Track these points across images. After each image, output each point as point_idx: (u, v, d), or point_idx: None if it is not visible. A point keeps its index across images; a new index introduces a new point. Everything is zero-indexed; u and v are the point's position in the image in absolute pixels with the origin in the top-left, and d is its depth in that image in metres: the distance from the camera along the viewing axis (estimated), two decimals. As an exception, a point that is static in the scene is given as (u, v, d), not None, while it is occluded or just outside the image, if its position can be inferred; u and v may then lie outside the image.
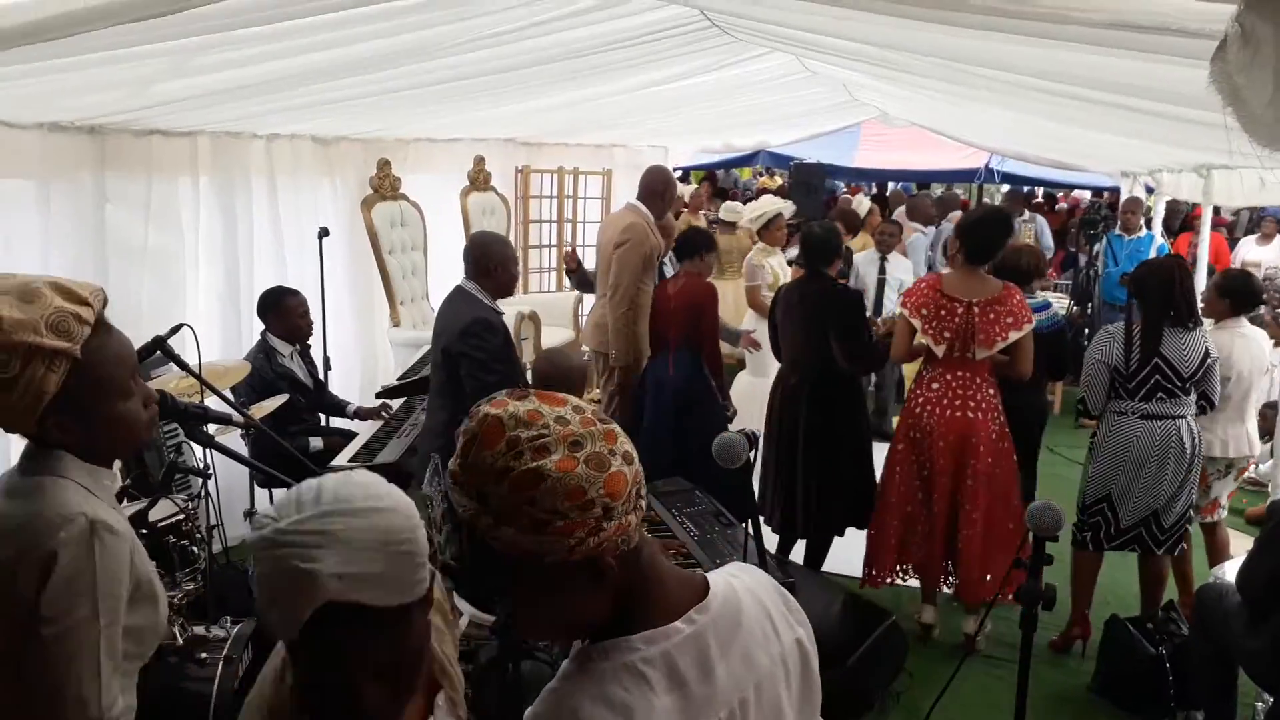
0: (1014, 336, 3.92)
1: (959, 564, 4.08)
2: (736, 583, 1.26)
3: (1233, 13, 0.61)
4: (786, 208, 6.28)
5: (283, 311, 4.53)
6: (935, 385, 4.06)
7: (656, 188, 4.95)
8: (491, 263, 3.82)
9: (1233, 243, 10.63)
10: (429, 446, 3.80)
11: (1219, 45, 0.65)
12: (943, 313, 3.98)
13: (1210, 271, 7.20)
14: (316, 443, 4.52)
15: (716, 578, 1.24)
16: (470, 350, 3.62)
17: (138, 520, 2.85)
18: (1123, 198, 9.29)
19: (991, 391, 4.02)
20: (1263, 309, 4.78)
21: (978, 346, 3.93)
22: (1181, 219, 10.87)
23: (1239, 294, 4.34)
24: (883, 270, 6.97)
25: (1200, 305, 4.16)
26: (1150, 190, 8.56)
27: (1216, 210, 9.55)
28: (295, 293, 4.62)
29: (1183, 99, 3.00)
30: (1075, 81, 3.27)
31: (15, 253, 3.89)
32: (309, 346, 4.76)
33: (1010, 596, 3.92)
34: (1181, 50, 1.79)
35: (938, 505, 4.06)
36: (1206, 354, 3.86)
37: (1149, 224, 8.58)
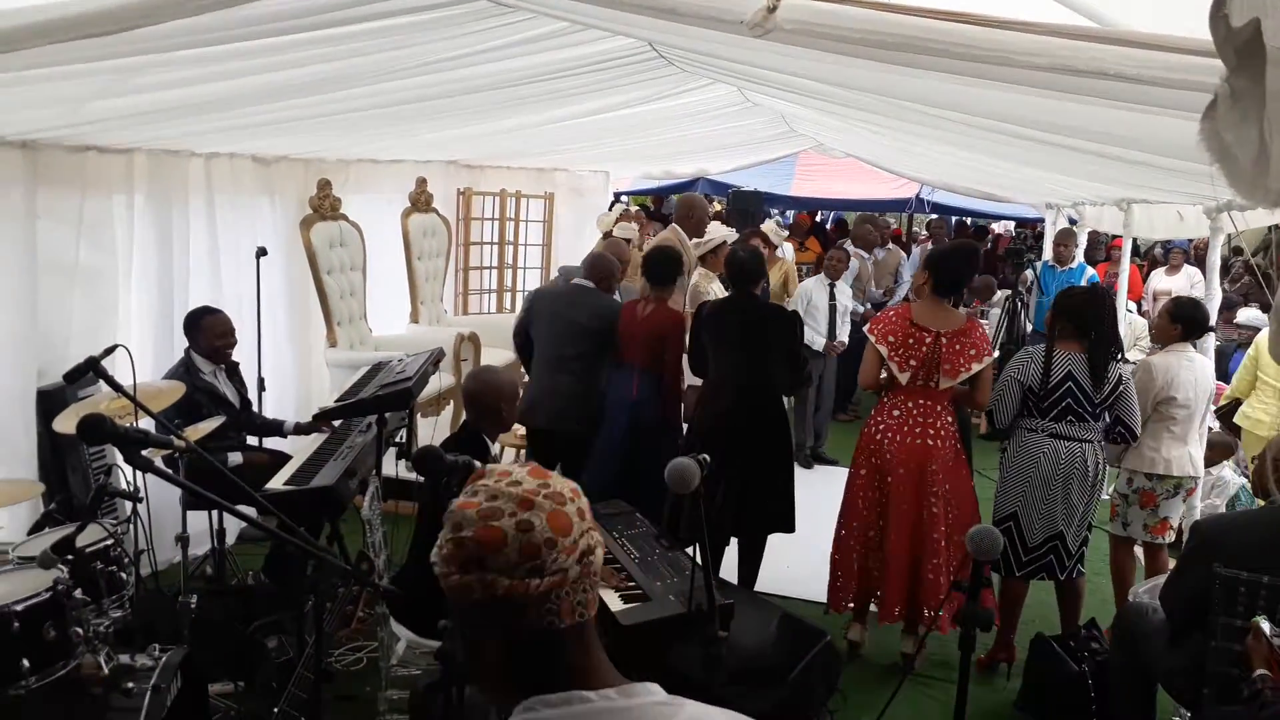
0: (976, 368, 4.03)
1: (923, 589, 4.10)
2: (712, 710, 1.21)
3: (1222, 73, 0.67)
4: (731, 235, 6.38)
5: (200, 331, 4.44)
6: (896, 412, 4.14)
7: (683, 212, 6.26)
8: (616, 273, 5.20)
9: (1145, 273, 11.09)
10: (565, 410, 4.77)
11: (1209, 104, 0.71)
12: (910, 341, 4.06)
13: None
14: (235, 458, 4.41)
15: (680, 697, 1.20)
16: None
17: (64, 546, 2.77)
18: (1047, 229, 9.61)
19: (950, 419, 4.12)
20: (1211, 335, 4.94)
21: (943, 376, 4.03)
22: (1102, 250, 11.27)
23: (1189, 321, 4.47)
24: (833, 296, 7.20)
25: (1151, 331, 4.33)
26: (1073, 221, 8.87)
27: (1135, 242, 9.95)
28: (215, 312, 4.52)
29: (1109, 138, 3.13)
30: (1008, 119, 3.39)
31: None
32: (237, 365, 4.67)
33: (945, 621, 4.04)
34: (1112, 93, 1.89)
35: (897, 532, 4.10)
36: (1120, 381, 4.01)
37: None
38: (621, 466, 4.59)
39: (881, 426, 4.17)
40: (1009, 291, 7.93)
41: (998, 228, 17.16)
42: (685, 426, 4.82)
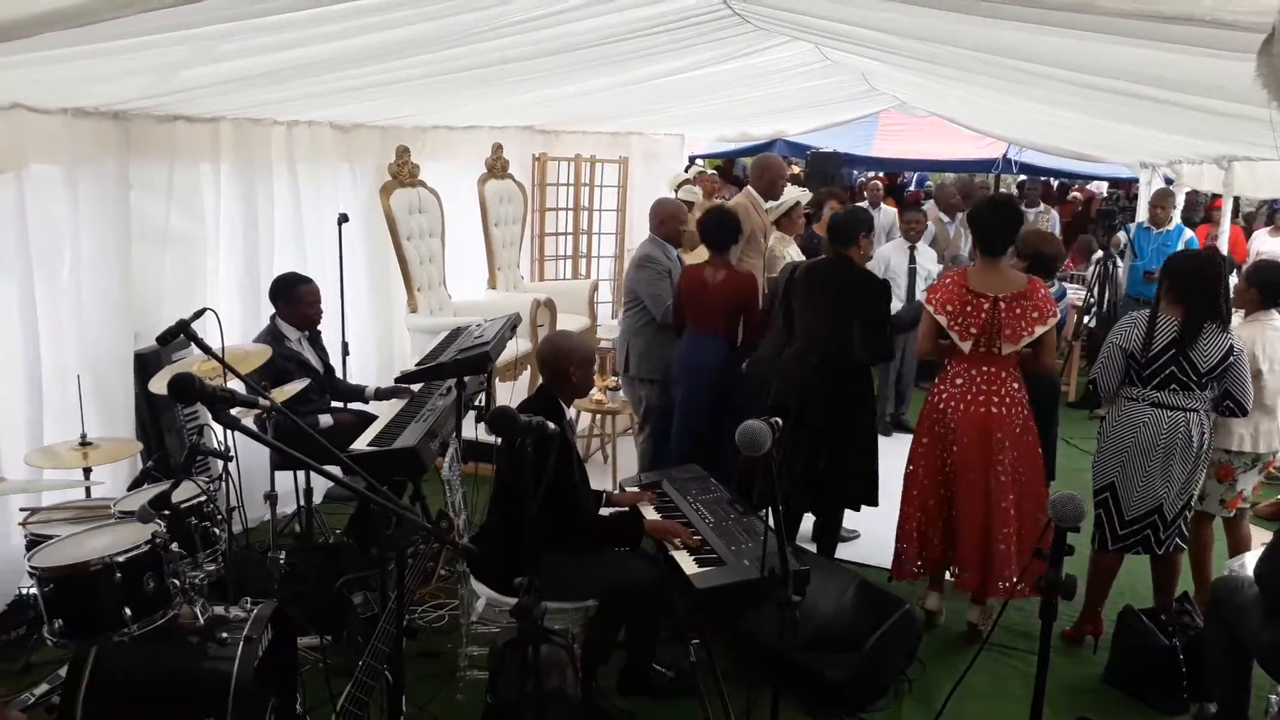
0: (1039, 331, 3.89)
1: (993, 560, 4.00)
2: None
3: (1277, 6, 0.61)
4: (805, 196, 6.27)
5: (294, 299, 4.53)
6: (959, 380, 4.04)
7: (756, 173, 5.88)
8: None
9: (1248, 234, 10.57)
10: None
11: (1266, 38, 0.65)
12: (968, 308, 3.95)
13: (1230, 264, 7.14)
14: (325, 420, 4.53)
15: None
16: None
17: (160, 502, 2.89)
18: (1142, 189, 9.22)
19: (1016, 385, 3.99)
20: None
21: (1004, 341, 3.91)
22: (1201, 211, 10.79)
23: (1270, 285, 4.20)
24: (912, 260, 7.00)
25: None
26: (1169, 181, 8.50)
27: (1236, 202, 9.50)
28: (307, 280, 4.62)
29: (1208, 90, 2.99)
30: (1098, 72, 3.26)
31: (46, 237, 3.94)
32: (319, 332, 4.78)
33: (1027, 589, 3.95)
34: (1210, 41, 1.79)
35: (966, 502, 4.02)
36: (1230, 352, 3.78)
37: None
38: (707, 432, 4.57)
39: (945, 395, 4.07)
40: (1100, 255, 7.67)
41: (1090, 188, 16.57)
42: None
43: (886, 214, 10.14)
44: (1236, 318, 4.16)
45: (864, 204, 9.72)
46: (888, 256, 7.13)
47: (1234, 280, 7.94)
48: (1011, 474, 3.97)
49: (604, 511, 3.76)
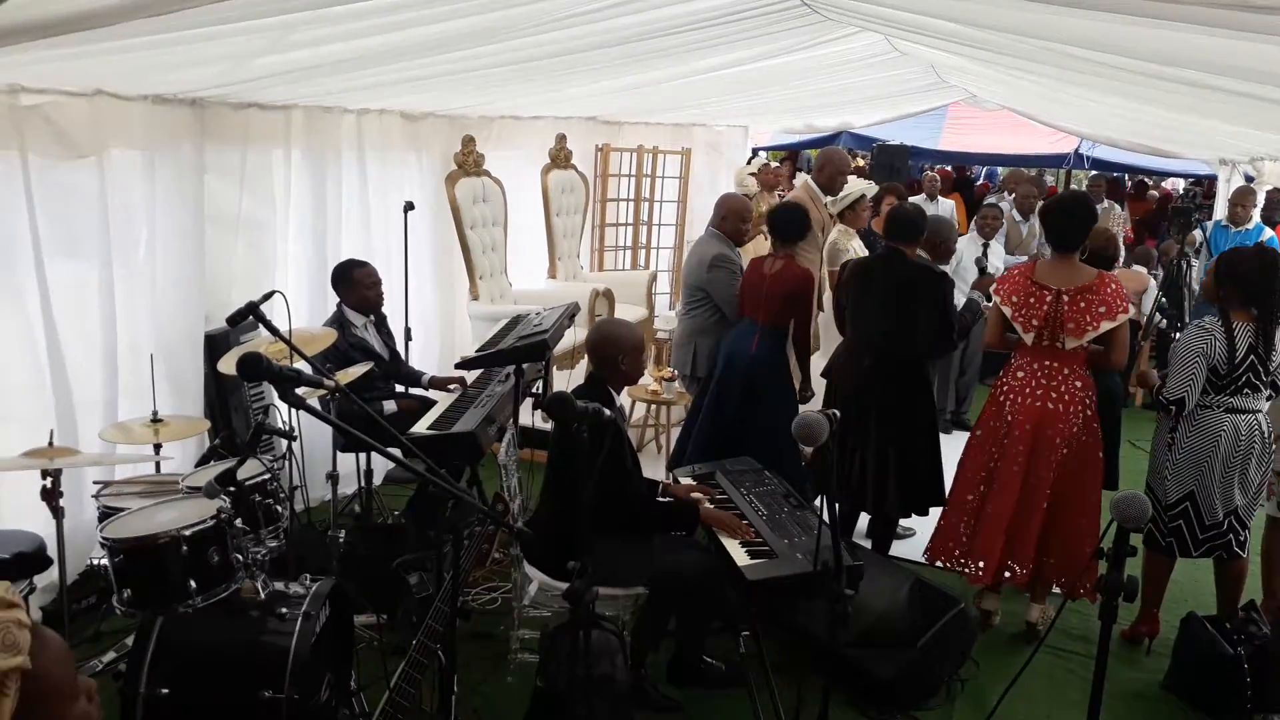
0: (1106, 326, 3.81)
1: (1016, 554, 4.00)
2: None
3: None
4: (870, 189, 6.19)
5: (352, 283, 4.61)
6: (1021, 374, 4.00)
7: (817, 165, 5.76)
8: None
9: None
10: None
11: None
12: (1031, 300, 3.90)
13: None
14: (390, 406, 4.61)
15: None
16: None
17: (226, 479, 2.97)
18: (1221, 186, 8.93)
19: (1079, 384, 3.91)
20: None
21: (1066, 335, 3.85)
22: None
23: None
24: (985, 256, 6.87)
25: None
26: (1249, 179, 8.22)
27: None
28: (363, 264, 4.69)
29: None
30: (1181, 63, 3.17)
31: (125, 219, 4.06)
32: (385, 317, 4.86)
33: (1080, 592, 3.88)
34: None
35: (1002, 494, 3.97)
36: None
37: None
38: (734, 421, 4.54)
39: (1005, 388, 4.03)
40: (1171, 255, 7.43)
41: (1165, 185, 16.11)
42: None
43: (944, 207, 9.96)
44: None
45: (920, 197, 9.55)
46: (960, 250, 7.00)
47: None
48: (1056, 472, 3.90)
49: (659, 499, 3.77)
